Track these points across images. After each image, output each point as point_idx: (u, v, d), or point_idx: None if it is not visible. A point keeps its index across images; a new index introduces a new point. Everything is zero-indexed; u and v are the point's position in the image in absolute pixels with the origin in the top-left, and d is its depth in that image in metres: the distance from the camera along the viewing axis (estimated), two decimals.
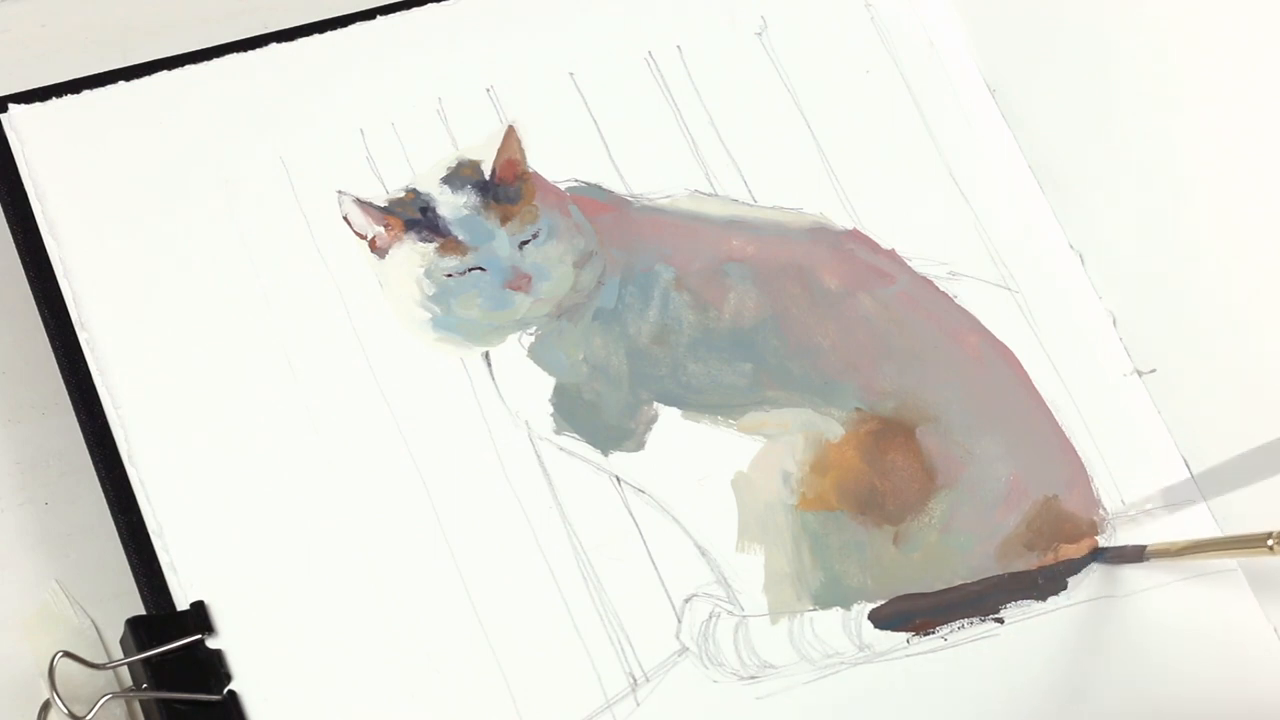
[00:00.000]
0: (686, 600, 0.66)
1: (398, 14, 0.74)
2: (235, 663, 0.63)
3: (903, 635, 0.66)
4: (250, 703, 0.63)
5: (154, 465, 0.66)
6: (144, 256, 0.69)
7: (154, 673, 0.62)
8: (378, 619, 0.64)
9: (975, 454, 0.69)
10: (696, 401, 0.69)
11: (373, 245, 0.70)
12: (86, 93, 0.71)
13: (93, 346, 0.67)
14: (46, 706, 0.62)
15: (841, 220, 0.73)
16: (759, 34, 0.76)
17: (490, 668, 0.64)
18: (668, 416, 0.68)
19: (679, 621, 0.65)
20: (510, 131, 0.72)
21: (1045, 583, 0.67)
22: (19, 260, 0.69)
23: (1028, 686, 0.66)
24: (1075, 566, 0.68)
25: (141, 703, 0.63)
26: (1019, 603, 0.67)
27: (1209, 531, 0.69)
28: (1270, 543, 0.58)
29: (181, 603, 0.64)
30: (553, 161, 0.72)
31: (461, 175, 0.71)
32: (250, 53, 0.72)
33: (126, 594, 0.65)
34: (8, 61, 0.75)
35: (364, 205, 0.70)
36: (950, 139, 0.75)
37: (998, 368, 0.71)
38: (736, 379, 0.69)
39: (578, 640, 0.65)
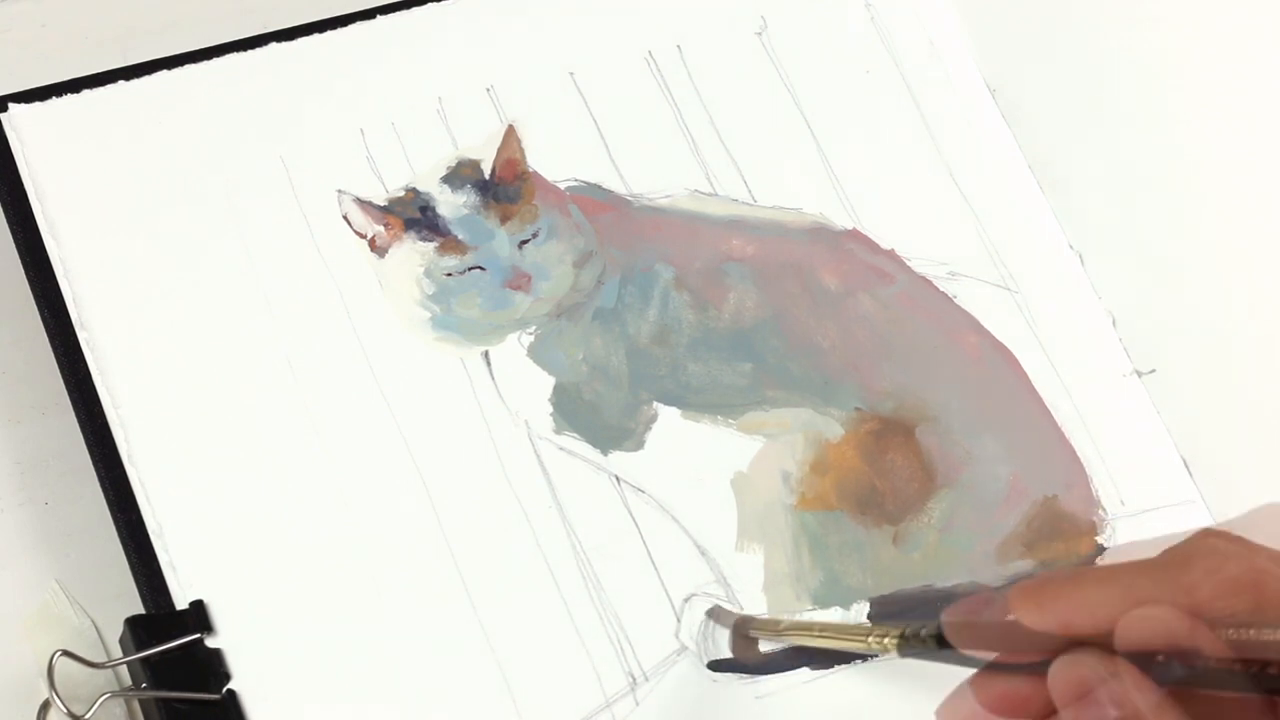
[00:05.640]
0: (686, 600, 0.66)
1: (398, 14, 0.74)
2: (234, 662, 0.63)
3: None
4: (249, 702, 0.63)
5: (154, 465, 0.66)
6: (144, 256, 0.69)
7: (153, 672, 0.62)
8: (377, 618, 0.64)
9: (975, 454, 0.69)
10: (696, 401, 0.69)
11: (372, 244, 0.70)
12: (86, 93, 0.71)
13: (93, 346, 0.67)
14: (46, 706, 0.62)
15: (841, 220, 0.73)
16: (759, 34, 0.76)
17: (489, 667, 0.64)
18: (667, 416, 0.68)
19: (678, 621, 0.65)
20: (510, 131, 0.72)
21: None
22: (19, 260, 0.69)
23: None
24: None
25: (141, 702, 0.63)
26: None
27: None
28: (870, 639, 0.57)
29: (181, 602, 0.64)
30: (553, 161, 0.72)
31: (461, 175, 0.71)
32: (250, 53, 0.72)
33: (126, 594, 0.65)
34: (8, 61, 0.75)
35: (364, 204, 0.70)
36: (950, 139, 0.75)
37: (998, 368, 0.71)
38: (736, 379, 0.69)
39: (577, 639, 0.65)
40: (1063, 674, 0.48)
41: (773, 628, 0.63)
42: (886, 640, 0.56)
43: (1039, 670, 0.49)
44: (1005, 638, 0.50)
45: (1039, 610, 0.49)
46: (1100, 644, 0.48)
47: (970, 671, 0.52)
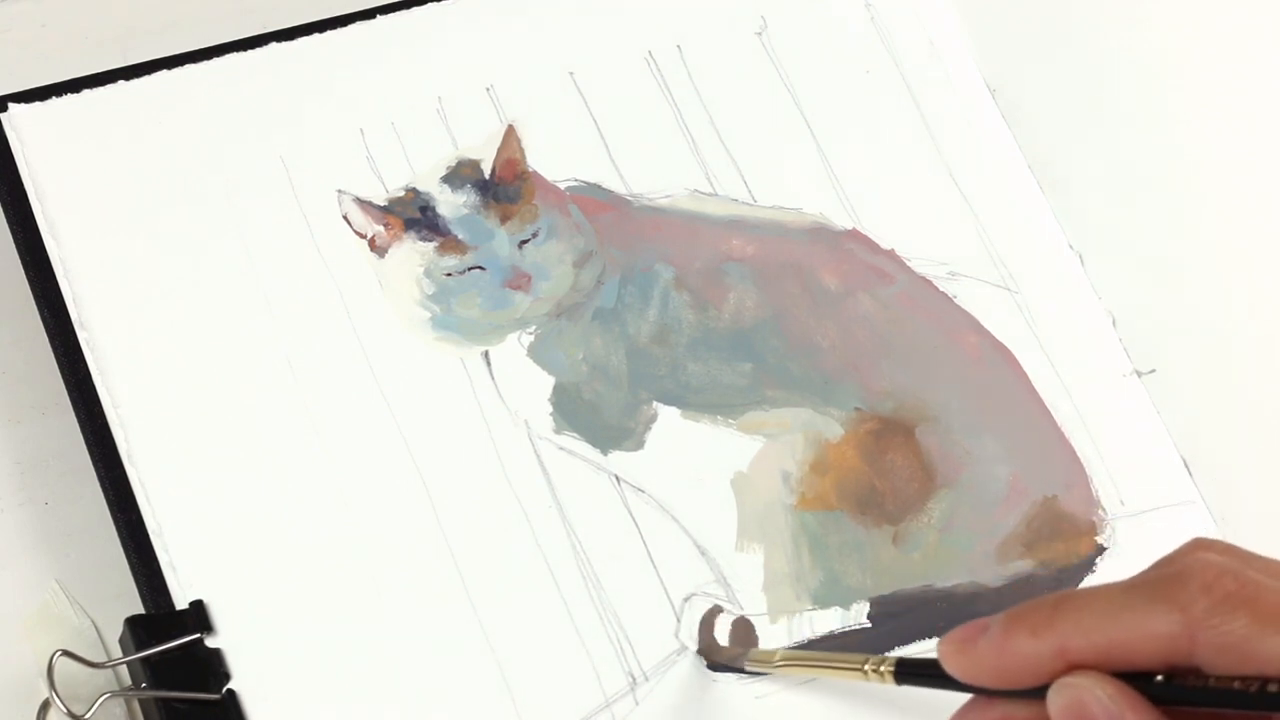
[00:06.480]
0: (686, 599, 0.66)
1: (398, 14, 0.74)
2: (234, 662, 0.63)
3: None
4: (249, 702, 0.63)
5: (153, 465, 0.66)
6: (144, 256, 0.69)
7: (153, 672, 0.62)
8: (377, 618, 0.64)
9: (975, 454, 0.69)
10: (696, 401, 0.69)
11: (372, 244, 0.70)
12: (86, 93, 0.71)
13: (93, 346, 0.67)
14: (46, 706, 0.62)
15: (841, 220, 0.73)
16: (759, 34, 0.76)
17: (489, 667, 0.64)
18: (667, 416, 0.68)
19: (678, 621, 0.65)
20: (510, 131, 0.72)
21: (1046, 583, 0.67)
22: (19, 260, 0.69)
23: None
24: (1074, 572, 0.68)
25: (140, 701, 0.63)
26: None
27: (1208, 532, 0.69)
28: (866, 667, 0.57)
29: (180, 602, 0.64)
30: (553, 161, 0.72)
31: (461, 175, 0.71)
32: (250, 53, 0.72)
33: (126, 594, 0.65)
34: (8, 61, 0.75)
35: (364, 204, 0.70)
36: (950, 139, 0.75)
37: (998, 368, 0.71)
38: (736, 379, 0.69)
39: (577, 639, 0.65)
40: (1060, 698, 0.48)
41: (768, 659, 0.63)
42: (883, 669, 0.56)
43: (1037, 695, 0.49)
44: (1001, 664, 0.49)
45: (1033, 636, 0.49)
46: (1097, 666, 0.48)
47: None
